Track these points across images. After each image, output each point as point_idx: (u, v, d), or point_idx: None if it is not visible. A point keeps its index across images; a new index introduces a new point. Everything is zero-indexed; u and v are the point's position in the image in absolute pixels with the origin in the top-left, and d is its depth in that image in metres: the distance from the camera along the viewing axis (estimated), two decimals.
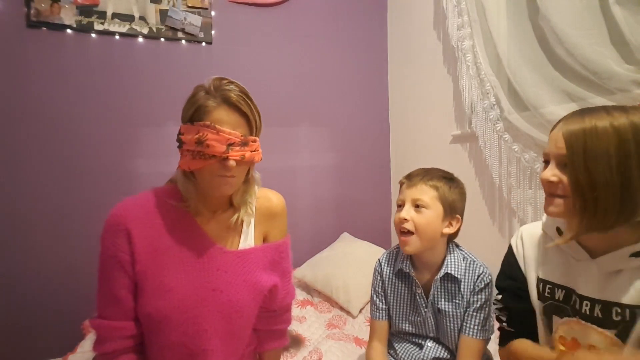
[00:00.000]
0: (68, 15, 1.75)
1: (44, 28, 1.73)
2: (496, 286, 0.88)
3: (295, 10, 2.18)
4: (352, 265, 1.85)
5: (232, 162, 0.76)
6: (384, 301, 1.07)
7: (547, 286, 0.76)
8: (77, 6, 1.76)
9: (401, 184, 1.05)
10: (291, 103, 2.16)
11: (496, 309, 0.87)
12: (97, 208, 1.78)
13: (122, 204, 0.81)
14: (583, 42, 1.15)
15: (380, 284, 1.08)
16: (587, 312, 0.68)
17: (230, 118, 0.76)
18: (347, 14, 2.30)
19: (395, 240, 2.37)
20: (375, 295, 1.09)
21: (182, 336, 0.79)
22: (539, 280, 0.78)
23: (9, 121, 1.68)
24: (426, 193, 0.96)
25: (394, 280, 1.06)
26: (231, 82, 0.79)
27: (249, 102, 0.78)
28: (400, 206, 1.00)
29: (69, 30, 1.76)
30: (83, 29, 1.78)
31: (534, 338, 0.81)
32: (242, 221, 0.88)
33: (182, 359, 0.81)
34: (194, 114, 0.78)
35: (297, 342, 1.41)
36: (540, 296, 0.78)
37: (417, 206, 0.97)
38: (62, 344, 1.55)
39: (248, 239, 0.90)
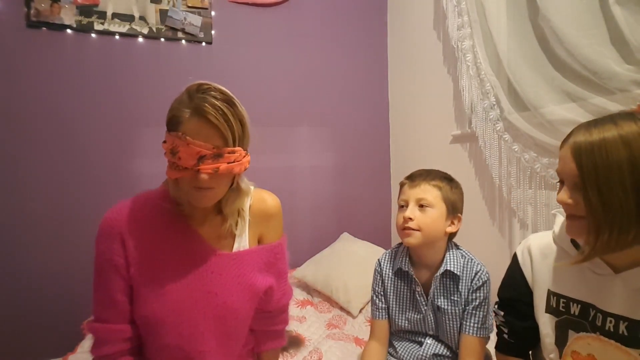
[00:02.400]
0: (68, 15, 1.75)
1: (44, 28, 1.73)
2: (498, 295, 0.87)
3: (295, 10, 2.18)
4: (352, 265, 1.85)
5: (203, 176, 0.71)
6: (383, 300, 1.08)
7: (561, 300, 0.74)
8: (77, 6, 1.76)
9: (402, 184, 1.05)
10: (291, 103, 2.16)
11: (497, 319, 0.87)
12: (97, 208, 1.77)
13: (116, 208, 0.81)
14: (583, 42, 1.15)
15: (380, 283, 1.09)
16: (611, 329, 0.66)
17: (201, 130, 0.71)
18: (347, 14, 2.30)
19: (395, 240, 2.37)
20: (375, 295, 1.10)
21: (178, 338, 0.79)
22: (551, 293, 0.76)
23: (8, 121, 1.67)
24: (430, 192, 0.98)
25: (393, 279, 1.07)
26: (210, 87, 0.74)
27: (225, 112, 0.72)
28: (403, 206, 1.01)
29: (69, 30, 1.76)
30: (83, 29, 1.78)
31: (533, 349, 0.82)
32: (234, 231, 0.87)
33: None
34: (169, 122, 0.75)
35: (297, 342, 1.41)
36: (553, 310, 0.75)
37: (421, 206, 0.98)
38: (62, 344, 1.55)
39: (242, 241, 0.89)
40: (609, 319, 0.66)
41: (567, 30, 1.19)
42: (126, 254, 0.78)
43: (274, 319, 0.97)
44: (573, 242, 0.73)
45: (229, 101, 0.74)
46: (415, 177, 1.02)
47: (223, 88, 0.75)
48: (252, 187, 0.92)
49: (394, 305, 1.06)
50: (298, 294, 1.79)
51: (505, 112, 1.48)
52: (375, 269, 1.12)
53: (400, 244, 1.10)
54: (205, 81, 0.76)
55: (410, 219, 0.96)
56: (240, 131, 0.76)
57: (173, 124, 0.74)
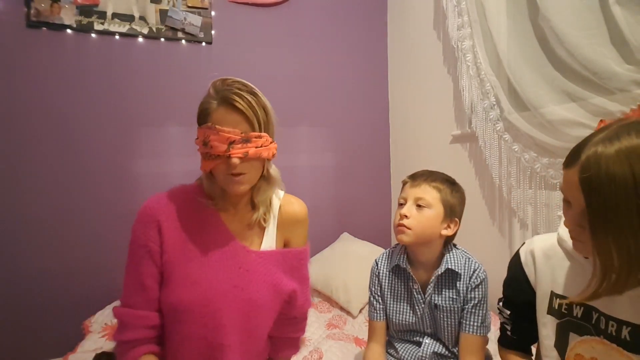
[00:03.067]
0: (68, 15, 1.75)
1: (44, 28, 1.73)
2: (503, 293, 0.87)
3: (295, 10, 2.18)
4: (352, 265, 1.85)
5: (234, 160, 0.76)
6: (380, 301, 1.09)
7: (564, 302, 0.72)
8: (77, 6, 1.76)
9: (404, 183, 1.06)
10: (291, 103, 2.16)
11: (501, 316, 0.87)
12: (97, 207, 1.79)
13: (155, 198, 0.85)
14: (583, 42, 1.15)
15: (377, 284, 1.10)
16: (614, 333, 0.64)
17: (229, 117, 0.77)
18: (347, 14, 2.30)
19: (395, 240, 2.37)
20: (372, 296, 1.10)
21: (202, 329, 0.81)
22: (554, 295, 0.75)
23: (9, 121, 1.67)
24: (429, 193, 0.99)
25: (390, 278, 1.08)
26: (234, 81, 0.80)
27: (249, 98, 0.78)
28: (402, 204, 1.02)
29: (69, 30, 1.76)
30: (83, 29, 1.78)
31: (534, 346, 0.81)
32: (264, 220, 0.90)
33: (201, 352, 0.82)
34: (199, 117, 0.81)
35: None
36: (555, 312, 0.74)
37: (419, 205, 0.99)
38: (62, 344, 1.55)
39: (270, 241, 0.91)
40: (611, 322, 0.65)
41: (567, 30, 1.19)
42: (161, 240, 0.81)
43: (296, 326, 0.99)
44: None
45: (251, 91, 0.80)
46: (417, 177, 1.03)
47: (245, 81, 0.81)
48: (281, 192, 0.95)
49: (391, 305, 1.07)
50: None
51: (505, 112, 1.48)
52: (372, 270, 1.13)
53: (398, 244, 1.10)
54: (228, 76, 0.82)
55: (406, 216, 0.98)
56: (265, 117, 0.81)
57: (203, 117, 0.80)
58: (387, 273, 1.08)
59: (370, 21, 2.37)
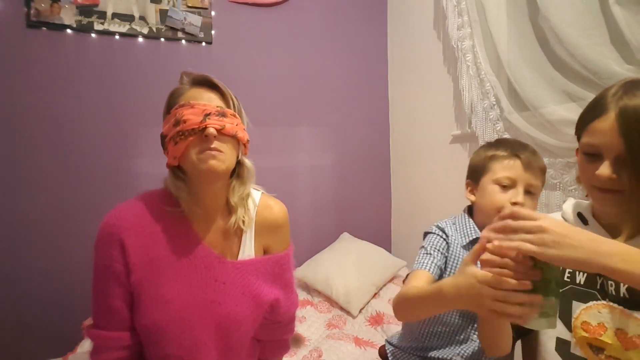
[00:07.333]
0: (68, 15, 1.75)
1: (44, 28, 1.73)
2: None
3: (295, 10, 2.18)
4: (352, 265, 1.85)
5: (211, 130, 0.72)
6: (444, 262, 0.91)
7: (567, 270, 0.74)
8: (77, 6, 1.76)
9: (503, 157, 0.89)
10: (291, 103, 2.16)
11: None
12: (97, 207, 1.78)
13: (115, 212, 0.78)
14: (583, 42, 1.15)
15: (445, 246, 0.93)
16: (613, 293, 0.66)
17: (203, 94, 0.78)
18: (347, 14, 2.30)
19: (395, 240, 2.37)
20: (432, 250, 0.92)
21: (179, 348, 0.76)
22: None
23: (9, 121, 1.67)
24: (539, 178, 0.88)
25: (460, 253, 0.93)
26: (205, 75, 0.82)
27: (222, 84, 0.80)
28: (507, 186, 0.86)
29: (69, 30, 1.76)
30: (83, 29, 1.78)
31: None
32: (244, 223, 0.84)
33: None
34: (169, 103, 0.80)
35: (297, 341, 1.41)
36: None
37: (528, 192, 0.86)
38: (62, 344, 1.55)
39: (248, 250, 0.86)
40: (609, 282, 0.67)
41: (567, 30, 1.19)
42: (126, 260, 0.75)
43: (282, 329, 0.95)
44: (580, 217, 0.74)
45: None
46: (526, 155, 0.87)
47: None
48: (259, 192, 0.90)
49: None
50: (298, 294, 1.79)
51: (505, 112, 1.48)
52: (435, 233, 0.96)
53: (460, 215, 0.99)
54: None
55: (522, 204, 0.84)
56: (236, 101, 0.81)
57: (173, 99, 0.79)
58: (458, 248, 0.93)
59: (370, 21, 2.37)
